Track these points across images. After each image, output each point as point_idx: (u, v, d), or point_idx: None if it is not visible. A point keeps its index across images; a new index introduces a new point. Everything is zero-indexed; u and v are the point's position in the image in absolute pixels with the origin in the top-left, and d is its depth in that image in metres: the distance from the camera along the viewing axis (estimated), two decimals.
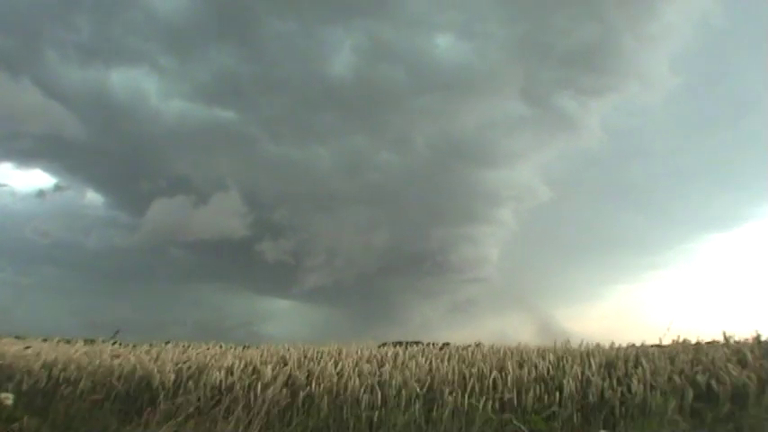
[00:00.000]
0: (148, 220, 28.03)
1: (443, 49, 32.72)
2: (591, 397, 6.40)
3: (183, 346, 9.15)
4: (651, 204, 32.45)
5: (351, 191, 32.26)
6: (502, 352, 7.84)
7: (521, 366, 7.04)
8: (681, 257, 30.52)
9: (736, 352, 7.03)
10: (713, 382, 6.30)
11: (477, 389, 6.67)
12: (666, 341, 7.87)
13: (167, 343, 9.64)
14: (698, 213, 31.44)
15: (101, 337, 10.75)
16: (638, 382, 6.39)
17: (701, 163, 32.16)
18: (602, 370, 6.74)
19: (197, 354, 8.37)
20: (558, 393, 6.51)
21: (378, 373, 7.09)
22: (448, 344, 9.28)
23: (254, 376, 7.26)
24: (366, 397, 6.72)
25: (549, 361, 7.09)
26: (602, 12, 30.61)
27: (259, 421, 6.71)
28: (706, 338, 7.93)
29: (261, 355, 8.06)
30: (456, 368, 7.04)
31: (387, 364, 7.30)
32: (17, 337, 11.16)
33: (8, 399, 6.89)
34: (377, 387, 6.83)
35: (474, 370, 6.99)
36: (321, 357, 7.77)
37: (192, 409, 6.92)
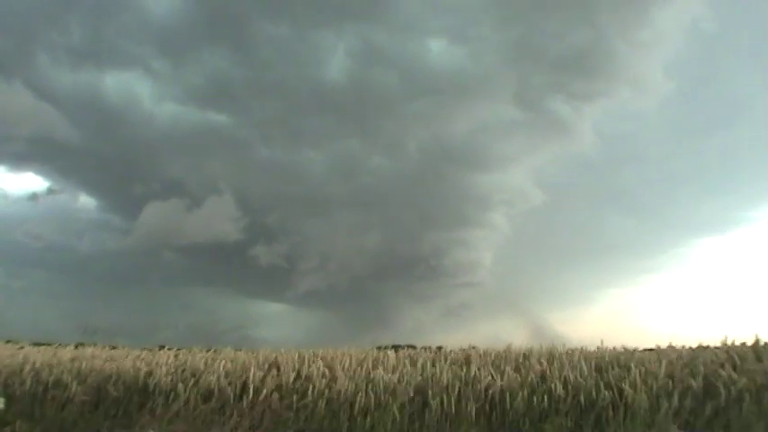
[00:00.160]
0: (141, 224, 27.97)
1: (436, 54, 32.84)
2: (582, 400, 6.39)
3: (176, 350, 9.12)
4: (643, 208, 32.63)
5: (344, 195, 32.28)
6: (494, 356, 7.83)
7: (514, 370, 7.02)
8: (673, 261, 30.72)
9: (728, 355, 7.05)
10: (704, 386, 6.29)
11: (469, 392, 6.65)
12: (660, 345, 7.88)
13: (161, 348, 9.61)
14: (690, 217, 31.65)
15: (92, 340, 10.69)
16: (630, 385, 6.39)
17: (693, 167, 32.40)
18: (594, 373, 6.73)
19: (190, 357, 8.33)
20: (549, 397, 6.49)
21: (371, 376, 7.08)
22: (441, 347, 9.29)
23: (246, 380, 7.21)
24: (359, 400, 6.70)
25: (542, 365, 7.07)
26: (595, 17, 30.82)
27: (252, 424, 6.71)
28: (698, 341, 7.95)
29: (254, 359, 8.03)
30: (449, 372, 7.03)
31: (380, 368, 7.29)
32: (8, 341, 11.09)
33: (0, 403, 6.87)
34: (370, 390, 6.81)
35: (466, 374, 6.97)
36: (314, 361, 7.74)
37: (184, 413, 6.90)
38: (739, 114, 31.20)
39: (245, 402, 6.90)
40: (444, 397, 6.64)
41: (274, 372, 7.41)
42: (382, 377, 7.03)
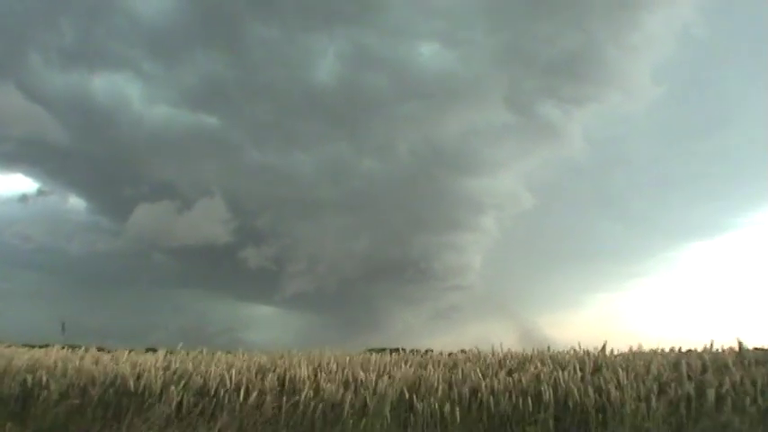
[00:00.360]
0: (131, 226, 27.94)
1: (427, 57, 33.01)
2: (569, 404, 6.42)
3: (166, 352, 9.08)
4: (632, 213, 32.86)
5: (334, 198, 32.35)
6: (483, 359, 7.86)
7: (504, 374, 7.04)
8: (662, 266, 30.92)
9: (716, 360, 7.11)
10: (691, 390, 6.33)
11: (456, 395, 6.66)
12: (646, 349, 7.93)
13: (150, 350, 9.57)
14: (679, 222, 31.88)
15: (82, 342, 10.63)
16: (617, 388, 6.42)
17: (683, 172, 32.64)
18: (581, 377, 6.76)
19: (179, 359, 8.31)
20: (537, 400, 6.51)
21: (360, 379, 7.09)
22: (430, 351, 9.30)
23: (236, 382, 7.20)
24: (348, 403, 6.70)
25: (531, 368, 7.10)
26: (586, 21, 31.02)
27: (241, 427, 6.70)
28: (686, 346, 8.01)
29: (243, 362, 8.02)
30: (437, 375, 7.04)
31: (369, 371, 7.30)
32: None
33: None
34: (360, 393, 6.82)
35: (455, 376, 6.98)
36: (303, 363, 7.74)
37: (173, 415, 6.88)
38: (729, 119, 31.49)
39: (234, 405, 6.88)
40: (433, 400, 6.64)
41: (263, 374, 7.39)
42: (372, 380, 7.03)
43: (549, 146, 33.41)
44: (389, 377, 7.18)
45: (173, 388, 7.27)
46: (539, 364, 7.43)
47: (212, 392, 7.21)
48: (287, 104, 33.42)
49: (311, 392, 6.93)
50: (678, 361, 7.17)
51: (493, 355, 8.34)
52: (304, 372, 7.39)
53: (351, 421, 6.64)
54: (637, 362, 7.18)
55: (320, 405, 6.82)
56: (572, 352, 8.11)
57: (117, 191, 31.55)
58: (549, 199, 32.99)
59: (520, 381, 6.92)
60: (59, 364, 8.23)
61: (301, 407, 6.86)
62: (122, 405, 7.40)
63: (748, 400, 6.19)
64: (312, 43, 33.86)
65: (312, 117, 33.69)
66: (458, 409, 6.59)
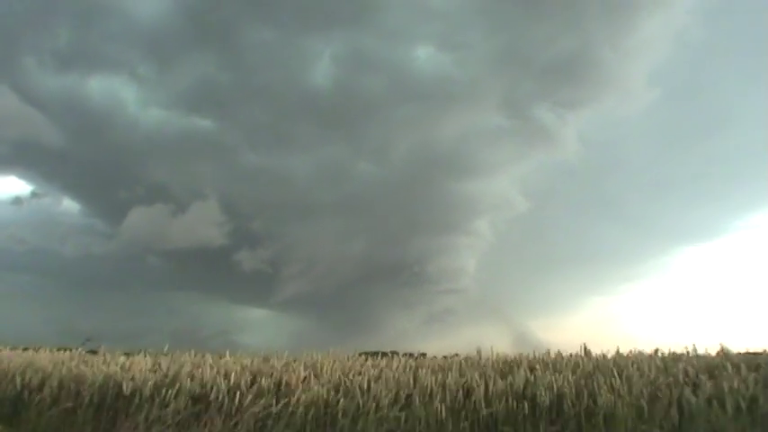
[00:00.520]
0: (126, 229, 27.97)
1: (423, 61, 33.21)
2: (564, 407, 6.42)
3: (160, 355, 9.06)
4: (628, 216, 33.07)
5: (329, 200, 32.46)
6: (477, 362, 7.85)
7: (496, 377, 7.03)
8: (656, 270, 31.12)
9: (707, 363, 7.12)
10: (684, 393, 6.34)
11: (451, 399, 6.65)
12: (639, 352, 7.95)
13: (143, 352, 9.54)
14: (673, 226, 32.09)
15: (75, 344, 10.61)
16: (611, 392, 6.42)
17: (677, 176, 32.89)
18: (575, 380, 6.76)
19: (173, 362, 8.28)
20: (531, 404, 6.50)
21: (355, 382, 7.08)
22: (425, 354, 9.29)
23: (230, 385, 7.18)
24: (343, 406, 6.69)
25: (524, 371, 7.09)
26: (582, 25, 31.22)
27: (235, 430, 6.68)
28: (680, 349, 8.02)
29: (237, 364, 8.00)
30: (432, 378, 7.03)
31: (363, 374, 7.29)
32: None
33: None
34: (355, 396, 6.80)
35: (449, 380, 6.97)
36: (297, 366, 7.72)
37: (167, 418, 6.86)
38: (725, 122, 31.74)
39: (227, 408, 6.86)
40: (427, 402, 6.63)
41: (257, 377, 7.37)
42: (366, 383, 7.02)
43: (545, 149, 33.65)
44: (383, 380, 7.16)
45: (166, 391, 7.25)
46: (534, 367, 7.42)
47: (205, 395, 7.18)
48: (283, 107, 33.55)
49: (305, 395, 6.90)
50: (672, 364, 7.18)
51: (487, 358, 8.33)
52: (298, 375, 7.38)
53: (344, 424, 6.61)
54: (631, 365, 7.16)
55: (313, 408, 6.80)
56: (566, 355, 8.10)
57: (111, 194, 31.63)
58: (544, 202, 33.23)
59: (513, 384, 6.91)
60: (53, 367, 8.19)
61: (294, 410, 6.83)
62: (116, 408, 7.38)
63: (740, 404, 6.18)
64: (308, 46, 34.03)
65: (308, 120, 33.83)
66: (452, 411, 6.58)
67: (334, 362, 8.19)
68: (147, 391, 7.31)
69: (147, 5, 33.61)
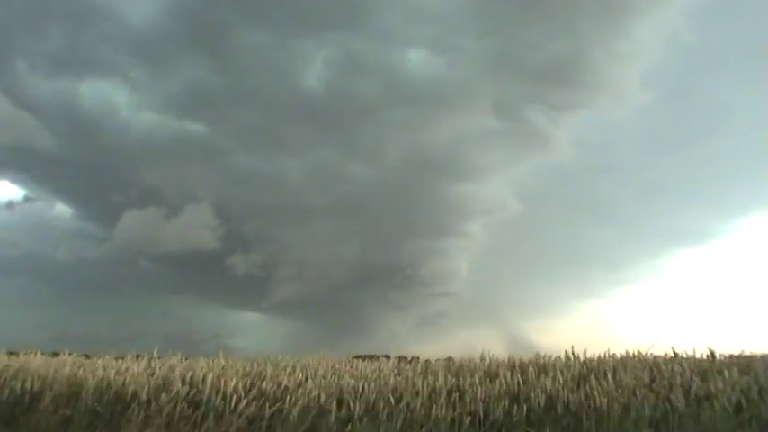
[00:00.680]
0: (118, 232, 27.94)
1: (416, 63, 33.20)
2: (558, 409, 6.45)
3: (153, 359, 9.05)
4: (620, 219, 33.19)
5: (322, 203, 32.47)
6: (471, 365, 7.87)
7: (490, 380, 7.06)
8: (649, 273, 31.23)
9: (702, 366, 7.17)
10: (677, 396, 6.38)
11: (446, 402, 6.67)
12: (632, 355, 7.98)
13: (137, 356, 9.52)
14: (666, 229, 32.20)
15: (69, 349, 10.57)
16: (603, 394, 6.46)
17: (670, 179, 33.00)
18: (568, 383, 6.80)
19: (167, 366, 8.28)
20: (526, 406, 6.52)
21: (348, 385, 7.09)
22: (418, 357, 9.31)
23: (223, 389, 7.18)
24: (335, 409, 6.70)
25: (518, 374, 7.12)
26: (575, 27, 31.32)
27: None
28: (672, 353, 8.06)
29: (231, 368, 8.00)
30: (425, 381, 7.05)
31: (356, 377, 7.31)
32: None
33: None
34: (348, 400, 6.81)
35: (443, 383, 6.99)
36: (290, 369, 7.73)
37: (161, 421, 6.86)
38: (717, 126, 31.92)
39: (221, 412, 6.86)
40: (420, 405, 6.64)
41: (250, 381, 7.38)
42: (359, 386, 7.03)
43: (538, 152, 33.78)
44: (376, 383, 7.17)
45: (159, 394, 7.25)
46: (528, 369, 7.45)
47: (199, 399, 7.17)
48: (275, 110, 33.57)
49: (297, 399, 6.91)
50: (664, 366, 7.22)
51: (481, 360, 8.35)
52: (291, 378, 7.38)
53: (336, 428, 6.61)
54: (623, 367, 7.20)
55: (307, 411, 6.81)
56: (559, 358, 8.13)
57: (104, 197, 31.57)
58: (537, 205, 33.28)
59: (511, 387, 6.93)
60: (49, 372, 8.17)
61: (287, 413, 6.83)
62: (111, 412, 7.37)
63: (730, 405, 6.23)
64: (301, 49, 34.03)
65: (301, 123, 33.86)
66: (446, 414, 6.59)
67: (327, 364, 8.21)
68: (143, 396, 7.30)
69: (139, 9, 33.63)
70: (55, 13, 34.12)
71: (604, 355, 8.30)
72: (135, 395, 7.36)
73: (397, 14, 33.73)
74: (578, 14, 31.56)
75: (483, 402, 6.75)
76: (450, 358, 9.01)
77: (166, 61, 34.61)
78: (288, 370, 7.89)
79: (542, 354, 8.42)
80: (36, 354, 10.34)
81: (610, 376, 6.92)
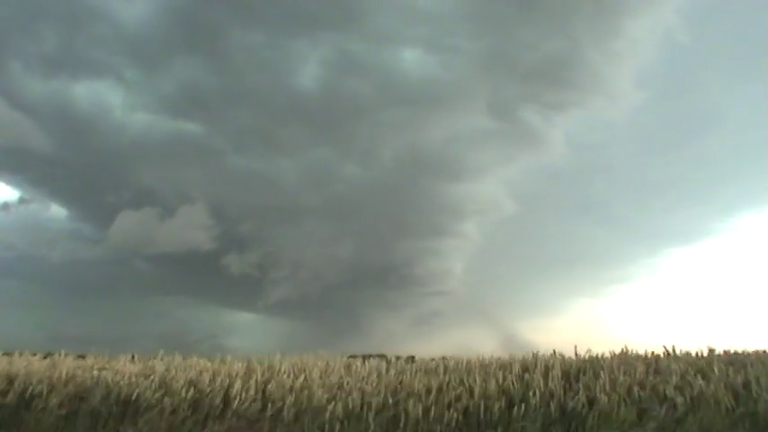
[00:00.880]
0: (113, 233, 27.86)
1: (410, 63, 33.07)
2: (553, 409, 6.47)
3: (149, 359, 9.04)
4: (614, 219, 33.24)
5: (317, 204, 32.41)
6: (466, 364, 7.89)
7: (486, 379, 7.07)
8: (643, 271, 31.29)
9: (696, 364, 7.20)
10: (672, 393, 6.41)
11: (442, 401, 6.69)
12: (627, 353, 8.00)
13: (133, 357, 9.51)
14: (660, 228, 32.26)
15: (65, 350, 10.55)
16: (600, 392, 6.49)
17: (664, 178, 33.05)
18: (563, 382, 6.83)
19: (163, 366, 8.27)
20: (523, 405, 6.55)
21: (343, 384, 7.11)
22: (413, 357, 9.32)
23: (221, 389, 7.19)
24: (331, 409, 6.71)
25: (514, 373, 7.14)
26: (569, 27, 31.32)
27: None
28: (666, 351, 8.08)
29: (227, 368, 8.01)
30: (421, 380, 7.07)
31: (352, 376, 7.32)
32: None
33: None
34: (343, 399, 6.83)
35: (439, 383, 7.01)
36: (286, 370, 7.74)
37: (160, 422, 6.88)
38: (711, 125, 32.01)
39: (219, 411, 6.87)
40: (418, 406, 6.66)
41: (247, 381, 7.38)
42: (354, 385, 7.05)
43: (532, 152, 33.71)
44: (375, 382, 7.19)
45: (158, 395, 7.25)
46: (524, 368, 7.47)
47: (197, 399, 7.19)
48: (270, 110, 33.50)
49: (295, 398, 6.93)
50: (660, 364, 7.25)
51: (478, 360, 8.37)
52: (288, 378, 7.40)
53: (335, 427, 6.63)
54: (619, 365, 7.23)
55: (305, 411, 6.82)
56: (554, 357, 8.15)
57: (99, 198, 31.45)
58: (531, 205, 33.31)
59: (508, 386, 6.95)
60: (49, 373, 8.16)
61: (285, 413, 6.85)
62: (110, 413, 7.38)
63: (726, 402, 6.27)
64: (295, 49, 33.91)
65: (295, 123, 33.77)
66: (443, 414, 6.61)
67: (323, 364, 8.22)
68: (141, 396, 7.31)
69: (133, 10, 33.46)
70: (49, 14, 34.00)
71: (599, 354, 8.34)
72: (136, 396, 7.37)
73: (391, 14, 33.70)
74: (572, 14, 31.56)
75: (478, 401, 6.78)
76: (444, 357, 9.03)
77: (161, 62, 34.53)
78: (285, 369, 7.89)
79: (537, 352, 8.45)
80: (33, 355, 10.32)
81: (605, 374, 6.95)
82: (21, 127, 28.81)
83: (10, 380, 8.10)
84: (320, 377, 7.59)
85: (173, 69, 34.34)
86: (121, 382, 7.71)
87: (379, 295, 29.54)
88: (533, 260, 32.43)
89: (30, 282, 30.09)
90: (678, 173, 32.96)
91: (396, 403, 6.90)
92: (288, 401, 6.97)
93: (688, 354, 7.94)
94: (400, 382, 7.29)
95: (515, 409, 6.65)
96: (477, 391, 6.92)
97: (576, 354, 8.27)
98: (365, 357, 9.28)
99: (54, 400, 7.56)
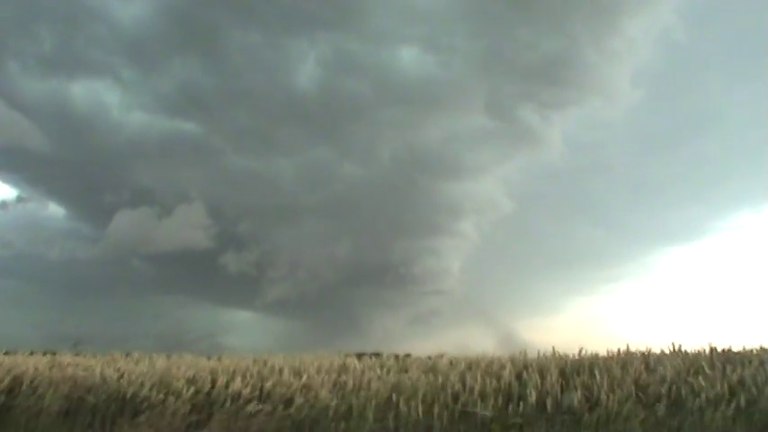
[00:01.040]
0: (111, 232, 27.88)
1: (408, 63, 33.07)
2: (549, 407, 6.50)
3: (147, 357, 9.06)
4: (611, 217, 33.33)
5: (314, 203, 32.46)
6: (464, 363, 7.91)
7: (483, 377, 7.09)
8: (640, 270, 31.36)
9: (692, 362, 7.23)
10: (669, 392, 6.45)
11: (440, 399, 6.72)
12: (624, 352, 8.02)
13: (129, 355, 9.53)
14: (657, 227, 32.37)
15: (63, 348, 10.57)
16: (598, 390, 6.52)
17: (661, 177, 33.13)
18: (560, 380, 6.85)
19: (161, 365, 8.30)
20: (521, 404, 6.57)
21: (341, 383, 7.13)
22: (410, 355, 9.34)
23: (220, 387, 7.21)
24: (332, 407, 6.73)
25: (511, 371, 7.16)
26: (566, 26, 31.34)
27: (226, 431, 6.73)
28: (663, 350, 8.10)
29: (225, 367, 8.02)
30: (420, 378, 7.10)
31: (350, 375, 7.35)
32: None
33: None
34: (344, 397, 6.86)
35: (436, 380, 7.04)
36: (284, 368, 7.76)
37: (159, 420, 6.89)
38: (708, 124, 32.10)
39: (217, 409, 6.89)
40: (415, 403, 6.69)
41: (245, 379, 7.40)
42: (353, 383, 7.08)
43: (529, 151, 33.79)
44: (376, 380, 7.22)
45: (156, 393, 7.27)
46: (523, 366, 7.49)
47: (195, 397, 7.20)
48: (267, 110, 33.52)
49: (293, 397, 6.95)
50: (656, 364, 7.28)
51: (476, 358, 8.39)
52: (287, 376, 7.41)
53: (334, 425, 6.66)
54: (616, 364, 7.26)
55: (304, 409, 6.85)
56: (551, 356, 8.17)
57: (96, 198, 31.44)
58: (529, 204, 33.38)
59: (505, 384, 6.98)
60: (46, 372, 8.16)
61: (284, 411, 6.87)
62: (108, 411, 7.39)
63: (723, 400, 6.31)
64: (293, 48, 33.92)
65: (293, 122, 33.79)
66: (442, 412, 6.64)
67: (321, 363, 8.24)
68: (139, 394, 7.32)
69: (130, 10, 33.45)
70: (46, 14, 33.97)
71: (597, 353, 8.36)
72: (134, 395, 7.39)
73: (388, 14, 33.71)
74: (570, 13, 31.60)
75: (478, 400, 6.80)
76: (441, 355, 9.05)
77: (158, 61, 34.52)
78: (284, 368, 7.91)
79: (534, 351, 8.48)
80: (31, 353, 10.33)
81: (602, 373, 6.98)
82: (19, 126, 28.82)
83: (11, 378, 8.11)
84: (318, 375, 7.60)
85: (170, 69, 34.35)
86: (120, 381, 7.74)
87: (377, 294, 29.60)
88: (531, 259, 32.50)
89: (27, 281, 30.10)
90: (675, 172, 33.06)
91: (394, 401, 6.93)
92: (286, 399, 6.99)
93: (685, 352, 7.96)
94: (398, 380, 7.32)
95: (512, 406, 6.69)
96: (476, 388, 6.95)
97: (578, 353, 8.30)
98: (359, 355, 9.30)
99: (53, 398, 7.58)
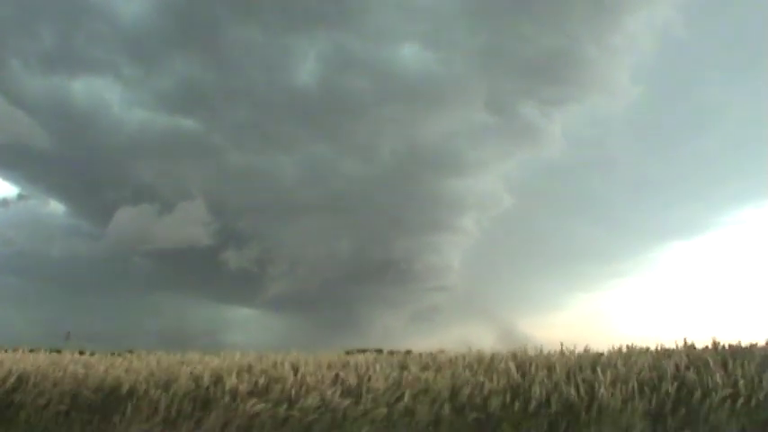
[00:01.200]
0: (112, 230, 28.02)
1: (408, 59, 33.12)
2: (555, 404, 6.46)
3: (148, 354, 9.03)
4: (612, 213, 33.43)
5: (315, 199, 32.59)
6: (466, 359, 7.87)
7: (487, 373, 7.05)
8: (642, 266, 31.46)
9: (697, 358, 7.18)
10: (673, 388, 6.40)
11: (442, 396, 6.67)
12: (627, 348, 7.99)
13: (130, 352, 9.50)
14: (659, 222, 32.45)
15: (63, 346, 10.55)
16: (601, 387, 6.48)
17: (663, 172, 33.19)
18: (564, 377, 6.81)
19: (162, 362, 8.26)
20: (525, 400, 6.53)
21: (342, 380, 7.09)
22: (410, 351, 9.32)
23: (220, 384, 7.17)
24: (338, 405, 6.71)
25: (516, 368, 7.12)
26: (567, 23, 31.37)
27: (227, 428, 6.68)
28: (667, 345, 8.08)
29: (225, 363, 7.99)
30: (419, 375, 7.05)
31: (351, 371, 7.31)
32: None
33: None
34: (344, 395, 6.82)
35: (442, 377, 6.99)
36: (286, 365, 7.72)
37: (159, 417, 6.86)
38: (709, 120, 32.09)
39: (219, 406, 6.85)
40: (418, 401, 6.64)
41: (246, 376, 7.36)
42: (354, 380, 7.04)
43: (530, 147, 33.94)
44: (372, 377, 7.17)
45: (157, 390, 7.23)
46: (527, 363, 7.45)
47: (197, 394, 7.16)
48: (268, 107, 33.64)
49: (295, 394, 6.90)
50: (659, 359, 7.23)
51: (478, 355, 8.35)
52: (289, 373, 7.37)
53: (335, 422, 6.61)
54: (619, 361, 7.21)
55: (305, 407, 6.80)
56: (554, 352, 8.14)
57: (97, 195, 31.65)
58: (530, 200, 33.51)
59: (510, 381, 6.93)
60: (46, 369, 8.13)
61: (284, 407, 6.82)
62: (108, 408, 7.36)
63: (727, 396, 6.26)
64: (293, 45, 33.99)
65: (293, 119, 33.90)
66: (446, 409, 6.60)
67: (322, 360, 8.21)
68: (140, 391, 7.28)
69: (131, 7, 33.51)
70: (47, 11, 34.00)
71: (599, 349, 8.32)
72: (135, 391, 7.35)
73: (389, 10, 33.77)
74: (570, 10, 31.60)
75: (483, 397, 6.76)
76: (442, 351, 9.01)
77: (158, 58, 34.67)
78: (285, 364, 7.87)
79: (537, 348, 8.43)
80: (32, 350, 10.31)
81: (605, 369, 6.93)
82: (19, 123, 28.92)
83: (13, 376, 8.08)
84: (318, 371, 7.56)
85: (171, 66, 34.47)
86: (120, 378, 7.67)
87: (378, 291, 29.70)
88: (532, 255, 32.60)
89: (28, 278, 30.22)
90: (676, 167, 33.11)
91: (394, 398, 6.89)
92: (286, 396, 6.95)
93: (689, 347, 7.92)
94: (400, 377, 7.27)
95: (516, 403, 6.64)
96: (477, 385, 6.90)
97: (575, 349, 8.26)
98: (363, 352, 9.27)
99: (54, 395, 7.54)
